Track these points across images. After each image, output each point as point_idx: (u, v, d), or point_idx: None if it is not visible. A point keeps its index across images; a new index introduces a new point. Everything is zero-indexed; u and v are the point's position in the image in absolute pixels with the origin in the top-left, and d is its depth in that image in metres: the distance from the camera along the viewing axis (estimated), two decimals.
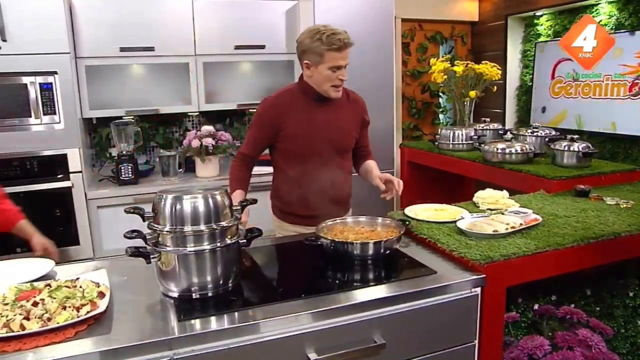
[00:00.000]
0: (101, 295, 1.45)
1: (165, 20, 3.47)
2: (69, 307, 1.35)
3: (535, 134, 3.26)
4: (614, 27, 3.72)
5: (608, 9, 3.74)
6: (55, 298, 1.39)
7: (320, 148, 2.23)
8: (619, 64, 3.47)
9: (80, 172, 3.18)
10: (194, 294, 1.50)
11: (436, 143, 3.69)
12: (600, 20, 3.81)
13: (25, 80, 3.03)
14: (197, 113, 3.99)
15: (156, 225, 1.48)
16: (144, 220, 1.52)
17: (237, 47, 3.67)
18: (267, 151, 3.99)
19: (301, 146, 2.23)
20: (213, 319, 1.38)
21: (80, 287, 1.49)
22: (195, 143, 3.52)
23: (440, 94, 4.83)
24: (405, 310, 1.50)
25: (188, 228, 1.46)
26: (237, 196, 2.14)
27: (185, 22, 3.52)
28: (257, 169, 3.79)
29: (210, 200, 1.49)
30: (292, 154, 2.26)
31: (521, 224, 1.90)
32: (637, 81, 3.16)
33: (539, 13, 4.32)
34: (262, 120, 2.26)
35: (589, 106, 3.86)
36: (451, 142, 3.54)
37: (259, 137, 2.29)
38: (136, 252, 1.47)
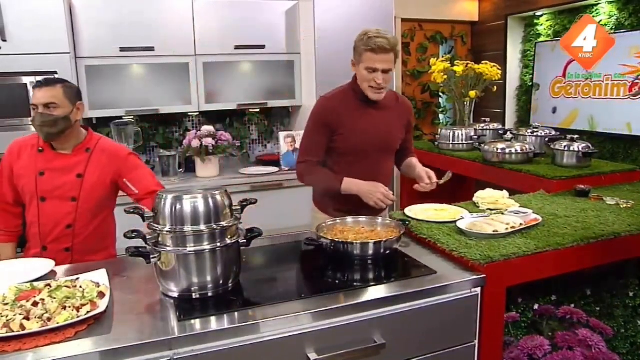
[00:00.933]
0: (101, 295, 1.45)
1: (165, 20, 3.47)
2: (69, 307, 1.35)
3: (535, 134, 3.26)
4: (614, 27, 3.72)
5: (608, 9, 3.74)
6: (55, 298, 1.39)
7: (366, 147, 2.27)
8: (619, 64, 3.47)
9: None
10: (194, 294, 1.50)
11: (436, 143, 3.69)
12: (601, 20, 3.81)
13: (25, 80, 3.03)
14: (197, 113, 3.99)
15: (156, 225, 1.48)
16: (144, 220, 1.52)
17: (237, 47, 3.67)
18: (270, 151, 3.99)
19: (349, 144, 2.26)
20: (213, 319, 1.38)
21: (80, 287, 1.49)
22: (195, 143, 3.52)
23: (440, 94, 4.83)
24: (405, 310, 1.50)
25: (188, 228, 1.46)
26: (352, 181, 2.20)
27: (185, 22, 3.53)
28: (259, 169, 3.79)
29: (210, 200, 1.49)
30: (340, 151, 2.28)
31: (521, 224, 1.89)
32: (636, 81, 3.16)
33: (539, 13, 4.32)
34: (318, 120, 2.27)
35: (590, 106, 3.86)
36: (451, 142, 3.55)
37: (319, 138, 2.27)
38: (136, 252, 1.47)
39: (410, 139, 2.50)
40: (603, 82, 3.84)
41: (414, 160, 2.42)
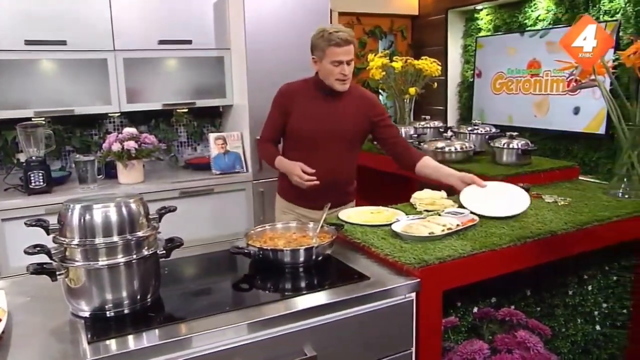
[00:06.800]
0: None
1: (78, 11, 3.36)
2: None
3: (475, 131, 3.37)
4: (551, 22, 3.91)
5: (546, 3, 3.94)
6: None
7: (315, 134, 2.59)
8: (554, 59, 3.65)
9: None
10: (108, 312, 1.45)
11: (375, 142, 3.74)
12: (539, 15, 4.00)
13: None
14: (119, 114, 3.88)
15: (62, 239, 1.43)
16: (48, 234, 1.46)
17: (161, 42, 3.61)
18: (200, 154, 4.03)
19: (299, 129, 2.61)
20: (130, 337, 1.35)
21: None
22: (116, 146, 3.43)
23: (380, 91, 4.92)
24: (337, 320, 1.51)
25: (99, 240, 1.42)
26: (280, 161, 2.60)
27: (102, 13, 3.43)
28: (189, 174, 3.71)
29: (124, 209, 1.45)
30: (293, 135, 2.64)
31: (458, 225, 1.95)
32: (571, 77, 3.34)
33: (479, 7, 4.49)
34: (275, 103, 2.68)
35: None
36: None
37: (273, 119, 2.68)
38: (39, 269, 1.41)
39: (392, 132, 2.70)
40: (543, 78, 4.03)
41: (433, 162, 2.58)
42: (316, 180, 2.44)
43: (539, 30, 3.99)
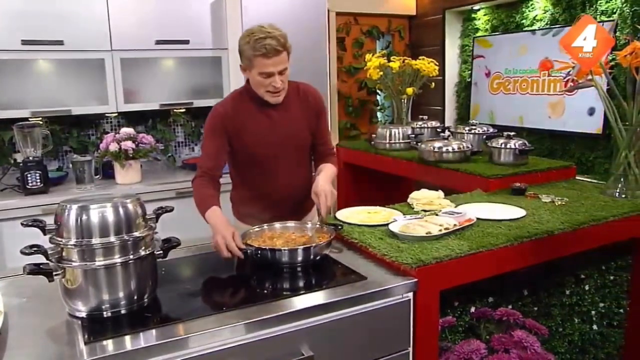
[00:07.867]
0: None
1: (75, 11, 3.35)
2: None
3: (473, 131, 3.37)
4: (549, 22, 3.92)
5: (543, 3, 3.94)
6: None
7: (267, 151, 2.26)
8: (553, 60, 3.65)
9: None
10: (104, 312, 1.46)
11: (372, 142, 3.74)
12: (536, 15, 4.01)
13: None
14: (116, 114, 3.87)
15: (59, 239, 1.43)
16: (44, 234, 1.46)
17: (158, 42, 3.60)
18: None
19: (246, 151, 2.26)
20: (127, 338, 1.35)
21: None
22: (114, 147, 3.43)
23: (378, 91, 4.92)
24: (334, 319, 1.51)
25: (96, 240, 1.42)
26: (215, 213, 2.01)
27: (99, 13, 3.42)
28: (186, 174, 3.69)
29: (121, 209, 1.46)
30: (240, 159, 2.30)
31: (455, 225, 1.95)
32: (567, 77, 3.35)
33: (476, 7, 4.48)
34: (213, 127, 2.24)
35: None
36: (388, 141, 3.61)
37: (215, 147, 2.24)
38: (35, 270, 1.41)
39: (322, 130, 2.41)
40: (540, 78, 4.03)
41: (322, 168, 2.32)
42: (231, 256, 1.84)
43: (551, 28, 3.93)
